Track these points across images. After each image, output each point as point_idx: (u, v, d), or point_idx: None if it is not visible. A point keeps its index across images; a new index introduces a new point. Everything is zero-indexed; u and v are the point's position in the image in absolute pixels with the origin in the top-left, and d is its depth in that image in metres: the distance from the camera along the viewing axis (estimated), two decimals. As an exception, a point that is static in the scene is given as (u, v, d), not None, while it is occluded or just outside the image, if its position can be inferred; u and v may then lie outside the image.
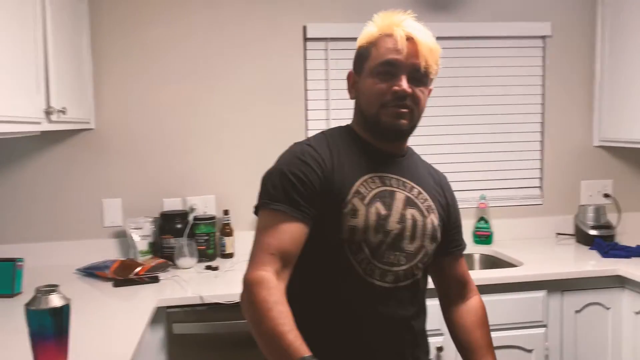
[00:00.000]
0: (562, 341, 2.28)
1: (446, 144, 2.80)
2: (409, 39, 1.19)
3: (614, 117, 2.71)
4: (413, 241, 1.24)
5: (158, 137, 2.56)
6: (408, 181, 1.29)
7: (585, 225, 2.69)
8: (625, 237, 2.72)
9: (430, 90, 1.28)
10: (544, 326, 2.25)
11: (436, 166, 2.88)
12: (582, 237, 2.70)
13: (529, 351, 2.24)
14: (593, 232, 2.64)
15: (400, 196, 1.24)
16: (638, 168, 2.93)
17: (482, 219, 2.76)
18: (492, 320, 2.22)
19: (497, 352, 2.24)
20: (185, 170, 2.58)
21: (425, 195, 1.30)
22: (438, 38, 2.31)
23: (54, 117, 1.87)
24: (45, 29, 1.85)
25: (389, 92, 1.21)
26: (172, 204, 2.56)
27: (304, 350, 1.00)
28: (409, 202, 1.25)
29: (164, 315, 2.00)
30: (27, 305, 1.29)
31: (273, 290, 1.07)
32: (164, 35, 2.55)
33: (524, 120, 2.86)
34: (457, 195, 2.84)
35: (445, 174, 3.09)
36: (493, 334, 2.23)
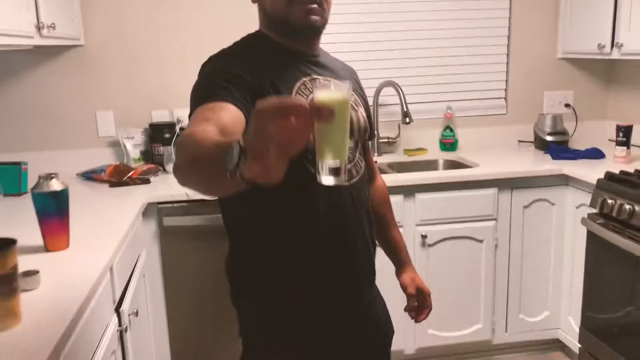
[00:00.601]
0: (511, 233, 2.57)
1: (414, 58, 2.96)
2: None
3: (576, 29, 2.86)
4: (352, 137, 1.27)
5: (145, 52, 2.74)
6: (332, 79, 1.26)
7: (542, 132, 2.91)
8: (580, 143, 2.96)
9: None
10: (495, 219, 2.53)
11: (407, 79, 3.09)
12: (539, 144, 2.93)
13: (480, 241, 2.54)
14: (549, 138, 2.87)
15: None
16: (597, 79, 3.12)
17: (447, 127, 2.98)
18: (448, 214, 2.54)
19: (453, 242, 2.59)
20: (172, 84, 2.76)
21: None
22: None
23: (44, 32, 2.06)
24: (30, -53, 1.99)
25: None
26: (161, 115, 2.78)
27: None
28: None
29: (155, 210, 2.28)
30: (32, 189, 1.54)
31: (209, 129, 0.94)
32: (145, -47, 2.66)
33: (490, 34, 3.01)
34: (424, 106, 3.08)
35: (415, 86, 3.32)
36: (449, 226, 2.55)
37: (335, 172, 0.71)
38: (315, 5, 1.16)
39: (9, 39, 1.83)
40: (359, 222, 1.28)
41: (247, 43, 1.26)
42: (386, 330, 1.46)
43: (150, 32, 2.72)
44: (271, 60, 1.19)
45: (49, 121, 2.72)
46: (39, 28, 2.02)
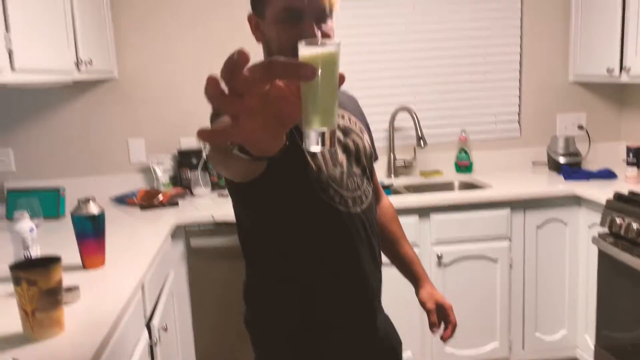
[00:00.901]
0: (525, 253, 2.63)
1: (430, 84, 3.08)
2: None
3: (587, 54, 2.94)
4: (359, 164, 1.29)
5: (174, 83, 2.92)
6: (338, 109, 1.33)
7: (555, 153, 2.98)
8: (594, 164, 3.02)
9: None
10: (509, 239, 2.61)
11: (421, 104, 3.20)
12: (553, 165, 3.01)
13: (495, 261, 2.61)
14: (562, 160, 2.94)
15: (338, 126, 1.27)
16: (610, 101, 3.18)
17: (462, 150, 3.08)
18: (463, 234, 2.62)
19: (468, 262, 2.66)
20: (199, 112, 2.92)
21: (354, 118, 1.34)
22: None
23: (82, 68, 2.24)
24: (71, -8, 2.19)
25: (298, 37, 1.12)
26: (188, 142, 2.95)
27: None
28: (345, 130, 1.29)
29: (183, 232, 2.42)
30: (72, 212, 1.70)
31: None
32: (173, -8, 2.86)
33: (503, 59, 3.11)
34: (439, 129, 3.18)
35: (430, 110, 3.42)
36: (464, 246, 2.63)
37: (321, 138, 0.64)
38: None
39: (52, 76, 2.01)
40: (371, 249, 1.28)
41: None
42: (396, 347, 1.46)
43: (177, 64, 2.90)
44: None
45: (84, 149, 2.90)
46: (77, 65, 2.21)
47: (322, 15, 1.13)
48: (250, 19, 1.22)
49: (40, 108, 2.85)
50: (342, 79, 0.64)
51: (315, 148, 0.65)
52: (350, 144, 1.28)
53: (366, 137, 1.35)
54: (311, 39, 0.64)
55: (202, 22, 2.89)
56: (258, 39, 1.22)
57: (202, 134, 0.58)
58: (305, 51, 0.63)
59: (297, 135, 1.10)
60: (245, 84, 0.56)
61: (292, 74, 0.57)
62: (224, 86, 0.57)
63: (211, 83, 0.56)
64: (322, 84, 0.62)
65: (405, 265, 1.52)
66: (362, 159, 1.30)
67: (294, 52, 1.14)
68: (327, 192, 1.19)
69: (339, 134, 1.27)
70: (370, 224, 1.28)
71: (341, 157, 1.25)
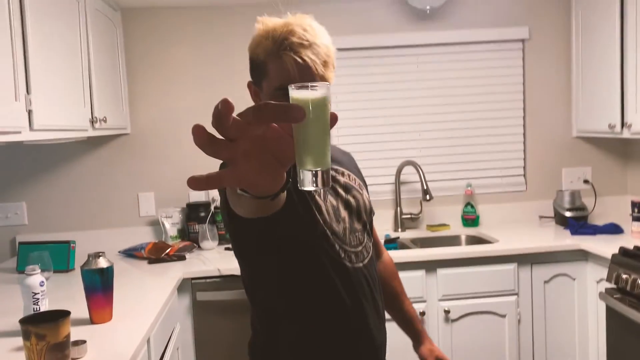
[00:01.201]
0: (533, 307, 2.61)
1: (436, 138, 3.15)
2: (298, 63, 1.15)
3: (589, 110, 3.00)
4: (360, 220, 1.32)
5: (183, 139, 3.00)
6: (338, 167, 1.35)
7: (562, 208, 3.00)
8: (600, 218, 3.03)
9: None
10: (516, 294, 2.59)
11: (427, 158, 3.24)
12: (559, 219, 3.02)
13: (503, 316, 2.58)
14: (568, 214, 2.95)
15: (339, 184, 1.32)
16: (614, 156, 3.22)
17: (469, 203, 3.10)
18: (471, 289, 2.61)
19: (476, 317, 2.64)
20: (208, 166, 2.98)
21: (353, 176, 1.38)
22: (426, 45, 2.67)
23: (97, 125, 2.33)
24: (89, 54, 2.31)
25: None
26: (197, 196, 3.00)
27: None
28: (346, 187, 1.33)
29: (189, 285, 2.43)
30: (82, 266, 1.73)
31: None
32: (186, 54, 2.99)
33: (507, 115, 3.18)
34: (445, 183, 3.21)
35: (435, 164, 3.45)
36: (471, 301, 2.62)
37: (315, 178, 0.65)
38: None
39: (68, 133, 2.09)
40: (375, 304, 1.30)
41: None
42: None
43: (186, 120, 2.99)
44: None
45: (96, 203, 2.96)
46: (92, 122, 2.29)
47: None
48: (250, 87, 1.28)
49: (53, 162, 2.93)
50: (334, 119, 0.66)
51: (310, 187, 0.66)
52: (352, 200, 1.32)
53: (365, 193, 1.40)
54: (301, 83, 0.66)
55: (209, 83, 3.00)
56: None
57: (192, 182, 0.59)
58: (295, 94, 0.66)
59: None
60: (235, 129, 0.58)
61: (282, 116, 0.58)
62: (216, 134, 0.58)
63: (197, 132, 0.57)
64: (313, 125, 0.64)
65: (406, 321, 1.58)
66: (363, 215, 1.34)
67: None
68: (334, 247, 1.22)
69: (340, 190, 1.30)
70: (372, 278, 1.31)
71: (343, 213, 1.28)
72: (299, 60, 1.15)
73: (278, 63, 1.17)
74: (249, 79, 1.27)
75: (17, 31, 1.66)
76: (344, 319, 1.25)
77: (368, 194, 1.43)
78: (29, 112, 1.71)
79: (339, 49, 3.01)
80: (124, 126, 2.86)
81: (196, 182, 0.59)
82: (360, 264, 1.27)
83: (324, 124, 0.66)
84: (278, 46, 1.17)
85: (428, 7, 2.81)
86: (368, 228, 1.36)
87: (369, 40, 3.04)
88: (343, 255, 1.24)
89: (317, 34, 1.19)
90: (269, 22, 1.21)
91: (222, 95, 3.18)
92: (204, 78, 3.00)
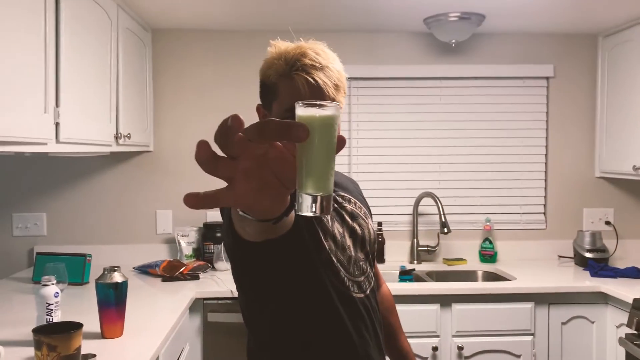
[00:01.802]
0: (549, 349, 2.54)
1: (456, 171, 3.13)
2: (310, 84, 1.15)
3: (612, 151, 2.97)
4: (363, 249, 1.29)
5: (204, 159, 3.02)
6: (345, 194, 1.32)
7: (582, 248, 2.94)
8: (621, 261, 2.96)
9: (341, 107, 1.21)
10: (532, 334, 2.53)
11: (446, 191, 3.22)
12: (579, 260, 2.96)
13: (518, 356, 2.52)
14: (588, 255, 2.89)
15: (346, 211, 1.29)
16: (637, 199, 3.17)
17: (487, 239, 3.06)
18: (485, 326, 2.57)
19: (490, 356, 2.59)
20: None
21: (359, 203, 1.35)
22: (450, 78, 2.68)
23: (121, 141, 2.36)
24: (118, 71, 2.36)
25: None
26: (214, 216, 3.00)
27: None
28: (353, 214, 1.30)
29: (201, 306, 2.42)
30: (97, 279, 1.73)
31: None
32: (210, 76, 3.03)
33: (529, 152, 3.16)
34: (464, 217, 3.17)
35: (454, 197, 3.42)
36: (486, 339, 2.57)
37: (314, 203, 0.61)
38: None
39: (93, 147, 2.13)
40: (375, 335, 1.27)
41: None
42: None
43: (209, 140, 3.01)
44: None
45: (113, 217, 2.99)
46: (117, 138, 2.33)
47: None
48: (258, 110, 1.28)
49: (75, 176, 2.97)
50: (341, 142, 0.62)
51: (307, 213, 0.62)
52: (357, 228, 1.29)
53: (370, 222, 1.37)
54: (309, 101, 0.63)
55: (231, 105, 3.02)
56: None
57: (189, 199, 0.56)
58: (301, 111, 0.61)
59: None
60: (239, 146, 0.55)
61: (284, 134, 0.55)
62: (219, 151, 0.56)
63: (202, 147, 0.55)
64: (317, 146, 0.60)
65: (402, 357, 1.53)
66: (367, 244, 1.31)
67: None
68: (338, 275, 1.18)
69: (347, 218, 1.27)
70: (373, 309, 1.28)
71: (348, 241, 1.25)
72: (311, 81, 1.15)
73: (289, 84, 1.17)
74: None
75: (51, 45, 1.70)
76: (347, 348, 1.20)
77: (373, 222, 1.41)
78: (56, 125, 1.75)
79: (363, 78, 3.06)
80: (147, 143, 2.90)
81: (193, 200, 0.56)
82: (362, 294, 1.24)
83: (329, 146, 0.62)
84: (290, 67, 1.17)
85: (453, 41, 2.83)
86: (370, 258, 1.33)
87: (392, 71, 3.06)
88: (347, 283, 1.21)
89: (329, 58, 1.19)
90: (281, 45, 1.22)
91: (244, 117, 3.21)
92: (227, 100, 3.04)
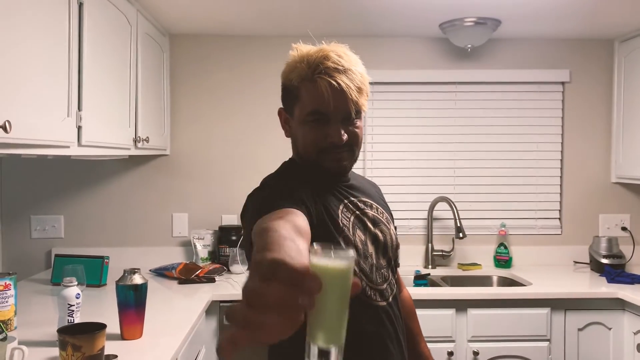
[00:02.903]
0: (566, 355, 2.53)
1: (471, 176, 3.13)
2: (333, 87, 1.15)
3: (630, 156, 2.95)
4: (385, 256, 1.29)
5: (221, 163, 3.05)
6: (367, 200, 1.32)
7: (598, 254, 2.92)
8: (638, 268, 2.93)
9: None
10: (548, 340, 2.52)
11: (461, 196, 3.22)
12: (595, 265, 2.94)
13: (534, 362, 2.51)
14: (604, 261, 2.87)
15: (368, 217, 1.28)
16: (655, 204, 3.15)
17: (502, 244, 3.05)
18: (501, 332, 2.56)
19: (504, 361, 2.54)
20: (242, 190, 3.00)
21: (381, 209, 1.34)
22: (465, 83, 2.68)
23: (139, 145, 2.39)
24: (137, 76, 2.39)
25: (324, 140, 1.19)
26: (230, 219, 3.03)
27: None
28: (375, 221, 1.29)
29: (217, 308, 2.44)
30: (117, 281, 1.75)
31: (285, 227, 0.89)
32: (227, 81, 3.06)
33: (544, 157, 3.15)
34: (479, 222, 3.16)
35: (469, 202, 3.40)
36: (501, 344, 2.56)
37: (324, 357, 0.58)
38: (345, 152, 1.21)
39: (113, 151, 2.15)
40: (398, 343, 1.26)
41: (288, 171, 1.30)
42: None
43: (223, 146, 3.05)
44: (313, 186, 1.22)
45: (131, 220, 3.02)
46: (135, 141, 2.35)
47: (348, 117, 1.19)
48: (280, 114, 1.29)
49: (93, 179, 3.00)
50: (356, 287, 0.60)
51: None
52: (379, 234, 1.28)
53: (392, 227, 1.36)
54: (325, 245, 0.61)
55: (247, 110, 3.05)
56: (287, 133, 1.29)
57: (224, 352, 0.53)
58: (315, 260, 0.60)
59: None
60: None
61: (297, 284, 0.52)
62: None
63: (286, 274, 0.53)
64: (331, 299, 0.58)
65: None
66: (389, 251, 1.31)
67: (318, 151, 1.20)
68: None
69: (369, 224, 1.26)
70: (396, 317, 1.27)
71: (371, 249, 1.24)
72: (334, 84, 1.15)
73: (312, 87, 1.17)
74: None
75: (74, 49, 1.73)
76: (368, 357, 1.20)
77: (395, 227, 1.40)
78: (79, 128, 1.77)
79: (379, 83, 3.06)
80: (164, 147, 2.93)
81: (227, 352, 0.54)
82: (384, 302, 1.23)
83: (342, 296, 0.60)
84: (313, 70, 1.17)
85: (469, 46, 2.83)
86: (392, 264, 1.32)
87: (408, 75, 3.07)
88: (369, 292, 1.20)
89: (352, 60, 1.20)
90: (303, 48, 1.22)
91: (261, 122, 3.26)
92: (243, 105, 3.06)
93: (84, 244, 2.94)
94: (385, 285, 1.25)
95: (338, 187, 1.27)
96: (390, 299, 1.26)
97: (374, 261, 1.24)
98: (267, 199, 1.11)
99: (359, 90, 1.18)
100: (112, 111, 2.10)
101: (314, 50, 1.20)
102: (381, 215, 1.33)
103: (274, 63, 3.06)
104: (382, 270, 1.26)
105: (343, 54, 1.19)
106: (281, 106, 1.30)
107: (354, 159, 1.26)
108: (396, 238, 1.36)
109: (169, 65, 2.99)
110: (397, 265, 1.41)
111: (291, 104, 1.24)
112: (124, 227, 3.01)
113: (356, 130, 1.22)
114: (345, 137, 1.18)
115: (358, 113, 1.21)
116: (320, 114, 1.18)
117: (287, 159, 1.37)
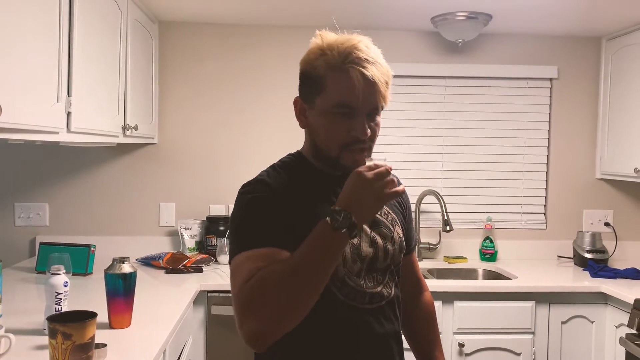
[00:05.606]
0: (549, 348, 2.57)
1: (458, 170, 3.15)
2: (366, 77, 1.11)
3: (614, 153, 2.99)
4: (385, 259, 1.24)
5: (208, 152, 3.03)
6: None
7: (581, 249, 2.97)
8: (620, 263, 2.99)
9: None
10: (532, 333, 2.55)
11: (448, 189, 3.23)
12: (578, 260, 2.98)
13: (518, 354, 2.54)
14: (588, 256, 2.92)
15: None
16: (637, 200, 3.20)
17: (487, 238, 3.08)
18: (486, 324, 2.58)
19: (490, 353, 2.61)
20: (230, 180, 3.00)
21: (386, 209, 1.29)
22: (455, 77, 2.68)
23: (128, 132, 2.36)
24: (126, 63, 2.35)
25: (348, 135, 1.14)
26: (217, 210, 3.01)
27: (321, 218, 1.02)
28: (374, 222, 1.24)
29: (205, 298, 2.43)
30: (106, 270, 1.73)
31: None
32: (216, 70, 3.03)
33: (530, 152, 3.18)
34: (465, 216, 3.18)
35: (456, 196, 3.41)
36: (486, 336, 2.59)
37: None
38: (365, 148, 1.17)
39: (101, 138, 2.13)
40: (387, 346, 1.23)
41: (287, 167, 1.24)
42: None
43: (212, 136, 3.03)
44: (310, 185, 1.20)
45: (116, 209, 2.98)
46: (124, 129, 2.32)
47: (373, 111, 1.15)
48: (296, 103, 1.21)
49: (79, 166, 2.96)
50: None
51: None
52: (378, 238, 1.23)
53: (398, 228, 1.29)
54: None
55: (237, 99, 3.03)
56: (301, 124, 1.22)
57: None
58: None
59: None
60: None
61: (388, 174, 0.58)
62: None
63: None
64: None
65: None
66: (388, 254, 1.25)
67: (340, 146, 1.17)
68: (343, 289, 1.15)
69: (365, 227, 1.21)
70: (388, 319, 1.23)
71: (366, 251, 1.20)
72: (367, 74, 1.10)
73: (342, 77, 1.11)
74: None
75: (64, 33, 1.69)
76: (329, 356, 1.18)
77: (407, 223, 1.36)
78: (68, 114, 1.74)
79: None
80: (152, 135, 2.90)
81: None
82: (373, 306, 1.19)
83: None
84: (343, 59, 1.11)
85: (460, 40, 2.84)
86: (393, 268, 1.26)
87: (398, 69, 3.02)
88: (353, 296, 1.17)
89: (378, 53, 1.16)
90: (328, 36, 1.16)
91: (249, 112, 3.28)
92: (232, 94, 3.04)
93: (68, 232, 2.91)
94: (379, 289, 1.21)
95: (337, 190, 1.16)
96: (383, 303, 1.21)
97: (368, 264, 1.19)
98: (251, 226, 1.12)
99: (387, 84, 1.15)
100: (101, 98, 2.08)
101: (343, 38, 1.14)
102: (384, 216, 1.28)
103: (263, 52, 3.05)
104: (377, 274, 1.21)
105: (370, 46, 1.15)
106: (297, 97, 1.22)
107: (369, 155, 1.19)
108: (400, 239, 1.28)
109: (157, 52, 2.96)
110: (416, 264, 1.41)
111: (313, 94, 1.16)
112: (110, 216, 2.98)
113: (376, 126, 1.18)
114: (369, 132, 1.14)
115: (382, 108, 1.17)
116: (347, 106, 1.12)
117: (293, 151, 1.31)
